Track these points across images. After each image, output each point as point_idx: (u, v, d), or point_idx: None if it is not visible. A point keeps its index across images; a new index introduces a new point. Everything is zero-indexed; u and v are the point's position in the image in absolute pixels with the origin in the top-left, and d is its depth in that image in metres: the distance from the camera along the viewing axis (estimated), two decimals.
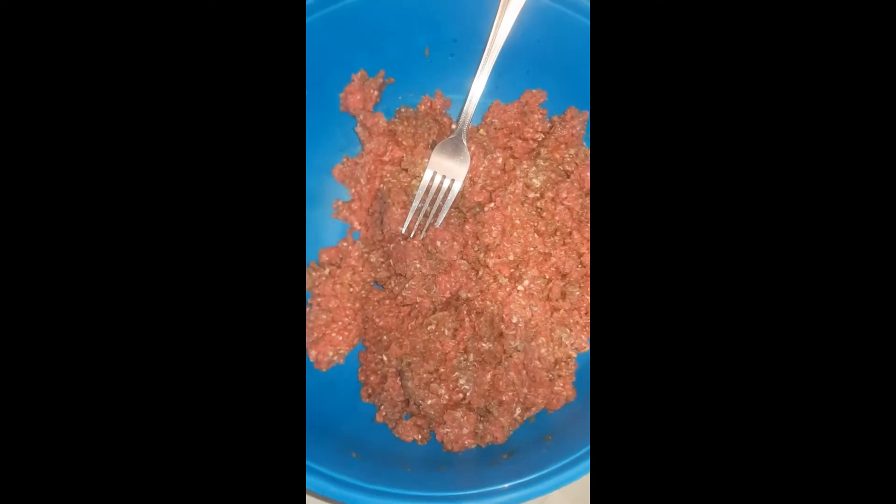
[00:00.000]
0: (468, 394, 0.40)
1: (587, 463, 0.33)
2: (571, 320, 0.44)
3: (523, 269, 0.44)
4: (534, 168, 0.45)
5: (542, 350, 0.42)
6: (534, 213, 0.45)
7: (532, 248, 0.44)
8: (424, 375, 0.41)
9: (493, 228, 0.44)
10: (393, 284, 0.45)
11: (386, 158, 0.47)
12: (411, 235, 0.45)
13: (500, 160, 0.46)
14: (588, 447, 0.33)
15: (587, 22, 0.43)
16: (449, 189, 0.45)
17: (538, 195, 0.45)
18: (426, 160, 0.46)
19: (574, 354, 0.43)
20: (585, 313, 0.44)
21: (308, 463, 0.33)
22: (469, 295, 0.44)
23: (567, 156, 0.46)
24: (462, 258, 0.44)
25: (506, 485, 0.32)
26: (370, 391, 0.43)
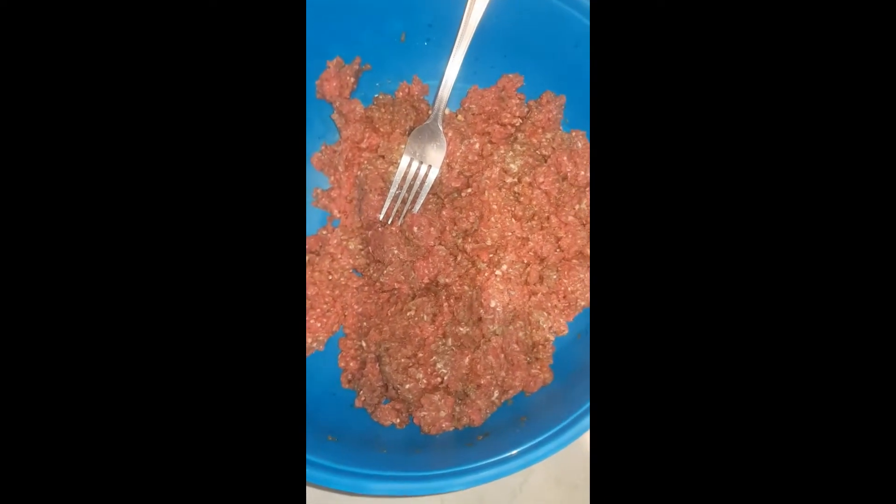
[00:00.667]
0: (446, 377, 0.41)
1: (555, 442, 0.33)
2: (549, 304, 0.44)
3: (501, 254, 0.44)
4: (511, 153, 0.45)
5: (520, 334, 0.43)
6: (511, 197, 0.45)
7: (510, 233, 0.44)
8: (402, 360, 0.41)
9: (471, 214, 0.44)
10: (372, 271, 0.45)
11: (363, 145, 0.47)
12: (389, 222, 0.45)
13: (476, 146, 0.46)
14: (557, 427, 0.34)
15: (561, 6, 0.42)
16: (426, 175, 0.45)
17: (515, 180, 0.45)
18: (403, 146, 0.46)
19: (552, 338, 0.44)
20: (563, 297, 0.44)
21: None
22: (447, 280, 0.44)
23: (544, 140, 0.46)
24: (440, 244, 0.44)
25: (471, 465, 0.33)
26: (350, 377, 0.43)
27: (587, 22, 0.42)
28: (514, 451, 0.33)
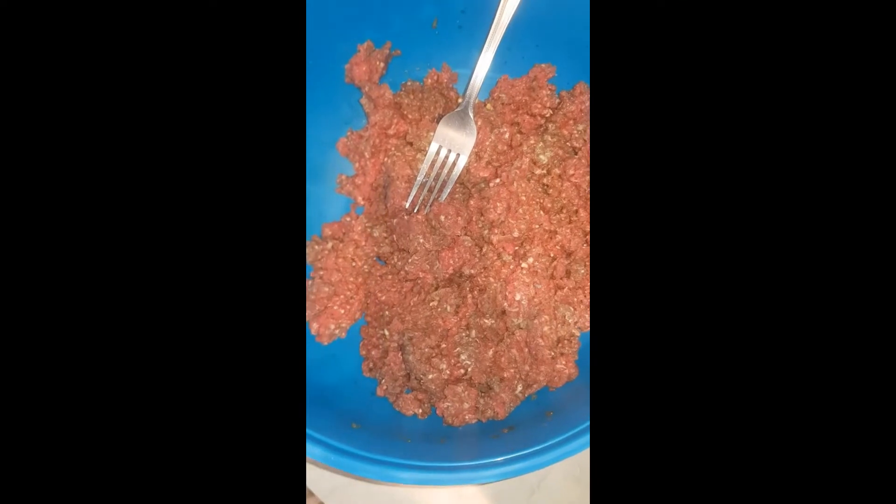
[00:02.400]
0: (469, 369, 0.40)
1: (585, 438, 0.33)
2: (575, 299, 0.43)
3: (528, 247, 0.43)
4: (541, 144, 0.45)
5: (545, 328, 0.42)
6: (540, 189, 0.44)
7: (537, 226, 0.44)
8: (426, 350, 0.40)
9: (499, 205, 0.43)
10: (396, 259, 0.44)
11: (391, 132, 0.46)
12: (415, 210, 0.44)
13: (506, 135, 0.45)
14: (587, 423, 0.33)
15: None
16: (454, 163, 0.44)
17: (545, 172, 0.44)
18: (431, 134, 0.45)
19: (577, 333, 0.43)
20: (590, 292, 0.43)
21: (308, 432, 0.33)
22: (472, 271, 0.43)
23: (575, 132, 0.45)
24: (466, 234, 0.44)
25: (500, 458, 0.32)
26: (371, 366, 0.43)
27: None
28: (543, 446, 0.33)
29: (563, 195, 0.44)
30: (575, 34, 0.44)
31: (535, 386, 0.41)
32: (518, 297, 0.42)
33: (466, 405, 0.38)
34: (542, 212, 0.44)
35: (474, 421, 0.39)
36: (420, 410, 0.40)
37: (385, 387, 0.41)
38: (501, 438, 0.36)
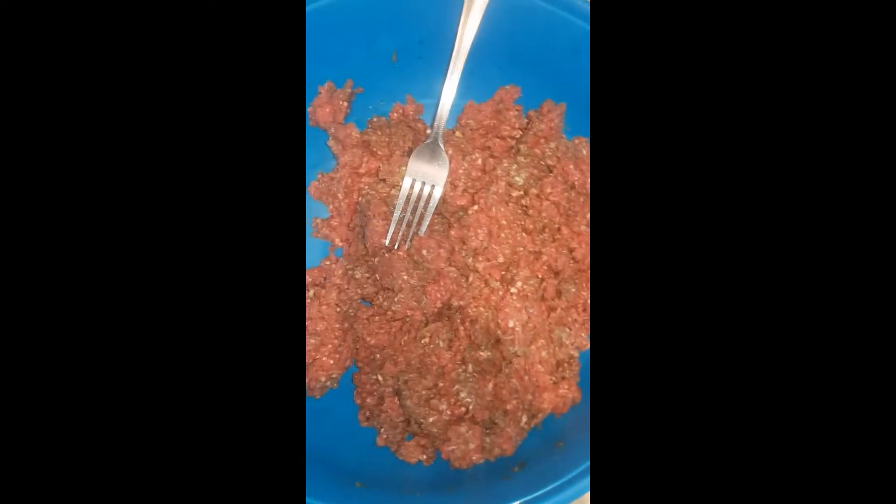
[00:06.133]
0: (471, 407, 0.39)
1: None
2: (570, 319, 0.42)
3: (514, 271, 0.42)
4: (515, 166, 0.44)
5: (543, 353, 0.41)
6: (519, 211, 0.43)
7: (521, 248, 0.43)
8: (423, 392, 0.39)
9: (480, 231, 0.42)
10: (381, 299, 0.43)
11: (362, 171, 0.45)
12: (395, 247, 0.43)
13: (479, 161, 0.45)
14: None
15: (559, 12, 0.42)
16: (430, 195, 0.43)
17: (522, 193, 0.44)
18: (403, 168, 0.44)
19: (576, 354, 0.42)
20: (584, 310, 0.42)
21: (308, 500, 0.31)
22: (461, 303, 0.42)
23: (548, 150, 0.45)
24: (450, 265, 0.43)
25: (518, 501, 0.30)
26: (368, 414, 0.41)
27: (586, 26, 0.41)
28: (563, 481, 0.31)
29: (544, 214, 0.43)
30: (536, 53, 0.44)
31: (539, 415, 0.39)
32: (511, 324, 0.41)
33: (472, 445, 0.37)
34: (524, 233, 0.43)
35: (482, 461, 0.37)
36: (424, 456, 0.38)
37: (385, 436, 0.39)
38: (514, 478, 0.34)
